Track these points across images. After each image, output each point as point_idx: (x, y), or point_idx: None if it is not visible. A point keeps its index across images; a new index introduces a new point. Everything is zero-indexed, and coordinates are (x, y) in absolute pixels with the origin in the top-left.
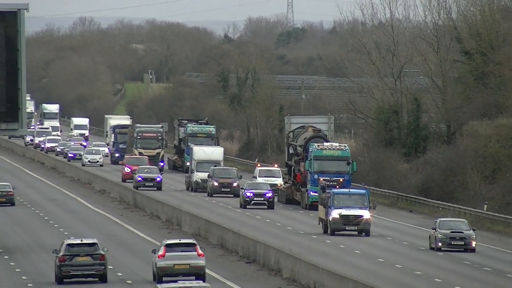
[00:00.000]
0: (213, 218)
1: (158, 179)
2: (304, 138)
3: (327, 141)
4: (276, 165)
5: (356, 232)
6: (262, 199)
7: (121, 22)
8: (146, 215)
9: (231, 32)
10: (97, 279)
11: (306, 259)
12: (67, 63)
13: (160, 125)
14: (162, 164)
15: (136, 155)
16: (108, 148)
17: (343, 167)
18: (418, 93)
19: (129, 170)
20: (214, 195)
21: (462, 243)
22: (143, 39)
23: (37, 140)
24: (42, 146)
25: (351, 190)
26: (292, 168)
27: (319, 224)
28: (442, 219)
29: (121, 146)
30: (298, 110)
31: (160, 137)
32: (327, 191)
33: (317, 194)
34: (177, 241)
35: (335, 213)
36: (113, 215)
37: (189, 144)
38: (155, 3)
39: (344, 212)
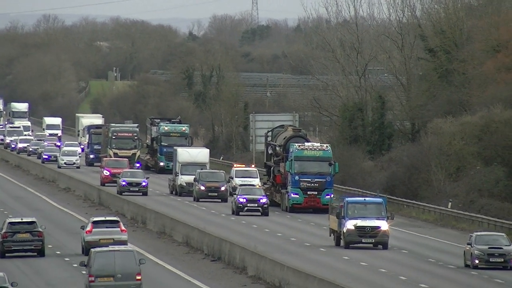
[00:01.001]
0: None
1: (144, 183)
2: (284, 138)
3: (307, 141)
4: (253, 165)
5: (372, 245)
6: (256, 205)
7: (86, 20)
8: (111, 213)
9: (196, 29)
10: (35, 253)
11: (271, 257)
12: (31, 61)
13: (136, 125)
14: (138, 165)
15: (111, 155)
16: (82, 148)
17: (325, 168)
18: (382, 91)
19: (108, 173)
20: (200, 200)
21: (502, 260)
22: (107, 36)
23: (8, 139)
24: (13, 146)
25: (366, 198)
26: (272, 168)
27: (330, 235)
28: (478, 233)
29: (95, 147)
30: (263, 107)
31: (136, 137)
32: (338, 198)
33: (298, 196)
34: (102, 218)
35: (349, 224)
36: (78, 213)
37: (162, 143)
38: (119, 1)
39: (360, 223)
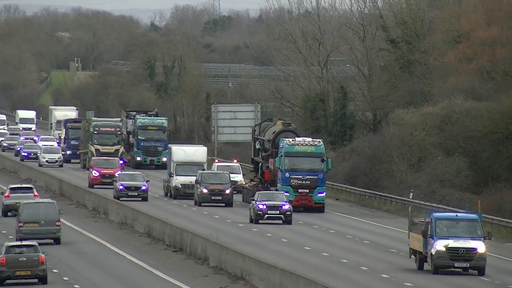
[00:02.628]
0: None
1: (144, 187)
2: (273, 132)
3: (298, 136)
4: (235, 161)
5: (465, 270)
6: (278, 212)
7: (47, 10)
8: (72, 204)
9: (158, 20)
10: None
11: (233, 248)
12: None
13: (119, 119)
14: (121, 162)
15: (92, 152)
16: (58, 143)
17: (317, 164)
18: (344, 82)
19: (97, 174)
20: (203, 204)
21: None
22: (68, 27)
23: None
24: None
25: (458, 214)
26: (260, 164)
27: (410, 257)
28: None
29: (73, 142)
30: (225, 98)
31: (119, 132)
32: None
33: (288, 194)
34: (18, 185)
35: (439, 245)
36: None
37: (139, 137)
38: None
39: (452, 243)
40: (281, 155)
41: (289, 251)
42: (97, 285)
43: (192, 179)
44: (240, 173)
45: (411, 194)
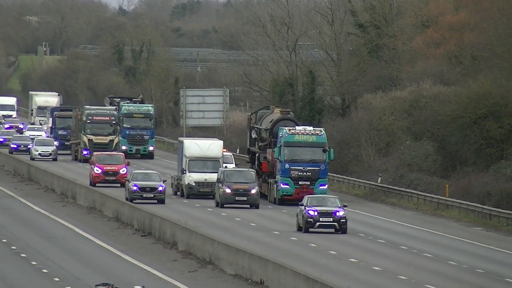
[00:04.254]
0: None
1: (161, 188)
2: (271, 121)
3: (297, 124)
4: (225, 150)
5: None
6: (331, 219)
7: None
8: (40, 188)
9: (126, 4)
10: None
11: (202, 232)
12: None
13: (114, 107)
14: None
15: (85, 142)
16: (46, 132)
17: (319, 154)
18: (313, 66)
19: (100, 170)
20: (225, 206)
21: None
22: (37, 11)
23: None
24: None
25: None
26: (257, 155)
27: None
28: None
29: (60, 132)
30: (193, 83)
31: (114, 121)
32: None
33: (288, 186)
34: None
35: None
36: (8, 189)
37: (124, 125)
38: None
39: None
40: (280, 145)
41: (258, 236)
42: (65, 269)
43: (207, 176)
44: (233, 163)
45: (379, 178)
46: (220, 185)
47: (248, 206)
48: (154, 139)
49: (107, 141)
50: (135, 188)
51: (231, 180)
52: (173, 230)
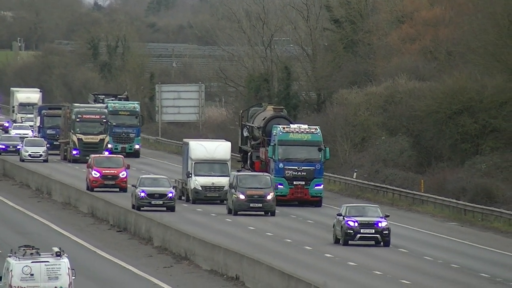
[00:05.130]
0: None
1: (170, 194)
2: (263, 119)
3: (291, 122)
4: None
5: None
6: (373, 231)
7: None
8: (15, 184)
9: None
10: None
11: (177, 228)
12: None
13: (104, 105)
14: (107, 153)
15: (74, 141)
16: (32, 130)
17: (314, 154)
18: (288, 62)
19: (98, 174)
20: (239, 213)
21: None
22: (11, 6)
23: None
24: None
25: None
26: (249, 154)
27: None
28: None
29: (49, 131)
30: (169, 78)
31: (104, 120)
32: None
33: (283, 186)
34: None
35: None
36: None
37: (109, 122)
38: None
39: None
40: (274, 144)
41: (233, 231)
42: None
43: (214, 180)
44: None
45: (355, 173)
46: (233, 190)
47: (263, 213)
48: (140, 137)
49: (97, 141)
50: (142, 194)
51: (245, 185)
52: (148, 226)
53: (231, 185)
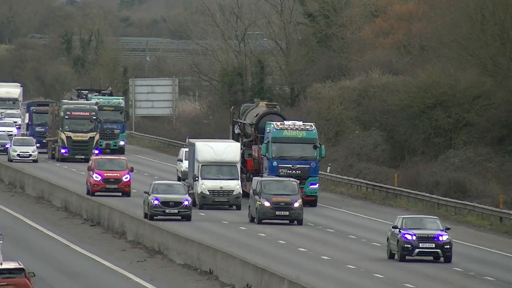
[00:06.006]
0: (58, 181)
1: (186, 202)
2: (256, 115)
3: (285, 119)
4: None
5: None
6: (433, 245)
7: None
8: None
9: None
10: None
11: (150, 222)
12: None
13: (94, 101)
14: (97, 152)
15: (63, 139)
16: (17, 128)
17: (309, 151)
18: (262, 56)
19: (99, 178)
20: (263, 222)
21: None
22: None
23: None
24: None
25: None
26: (241, 152)
27: None
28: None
29: (38, 129)
30: (142, 72)
31: (94, 117)
32: None
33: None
34: None
35: None
36: None
37: (99, 119)
38: None
39: None
40: (268, 141)
41: (208, 226)
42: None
43: (223, 183)
44: None
45: (329, 168)
46: (257, 197)
47: (288, 221)
48: (125, 133)
49: (87, 139)
50: (156, 202)
51: (271, 192)
52: (122, 220)
53: (254, 192)
